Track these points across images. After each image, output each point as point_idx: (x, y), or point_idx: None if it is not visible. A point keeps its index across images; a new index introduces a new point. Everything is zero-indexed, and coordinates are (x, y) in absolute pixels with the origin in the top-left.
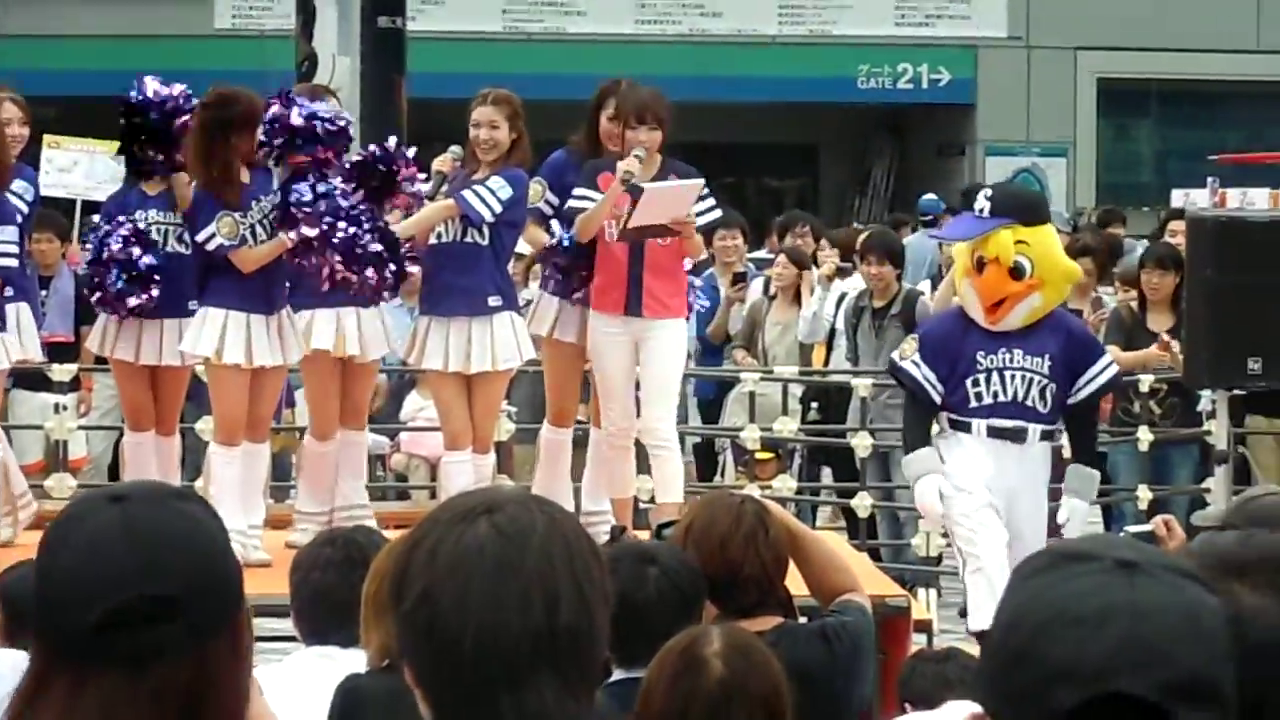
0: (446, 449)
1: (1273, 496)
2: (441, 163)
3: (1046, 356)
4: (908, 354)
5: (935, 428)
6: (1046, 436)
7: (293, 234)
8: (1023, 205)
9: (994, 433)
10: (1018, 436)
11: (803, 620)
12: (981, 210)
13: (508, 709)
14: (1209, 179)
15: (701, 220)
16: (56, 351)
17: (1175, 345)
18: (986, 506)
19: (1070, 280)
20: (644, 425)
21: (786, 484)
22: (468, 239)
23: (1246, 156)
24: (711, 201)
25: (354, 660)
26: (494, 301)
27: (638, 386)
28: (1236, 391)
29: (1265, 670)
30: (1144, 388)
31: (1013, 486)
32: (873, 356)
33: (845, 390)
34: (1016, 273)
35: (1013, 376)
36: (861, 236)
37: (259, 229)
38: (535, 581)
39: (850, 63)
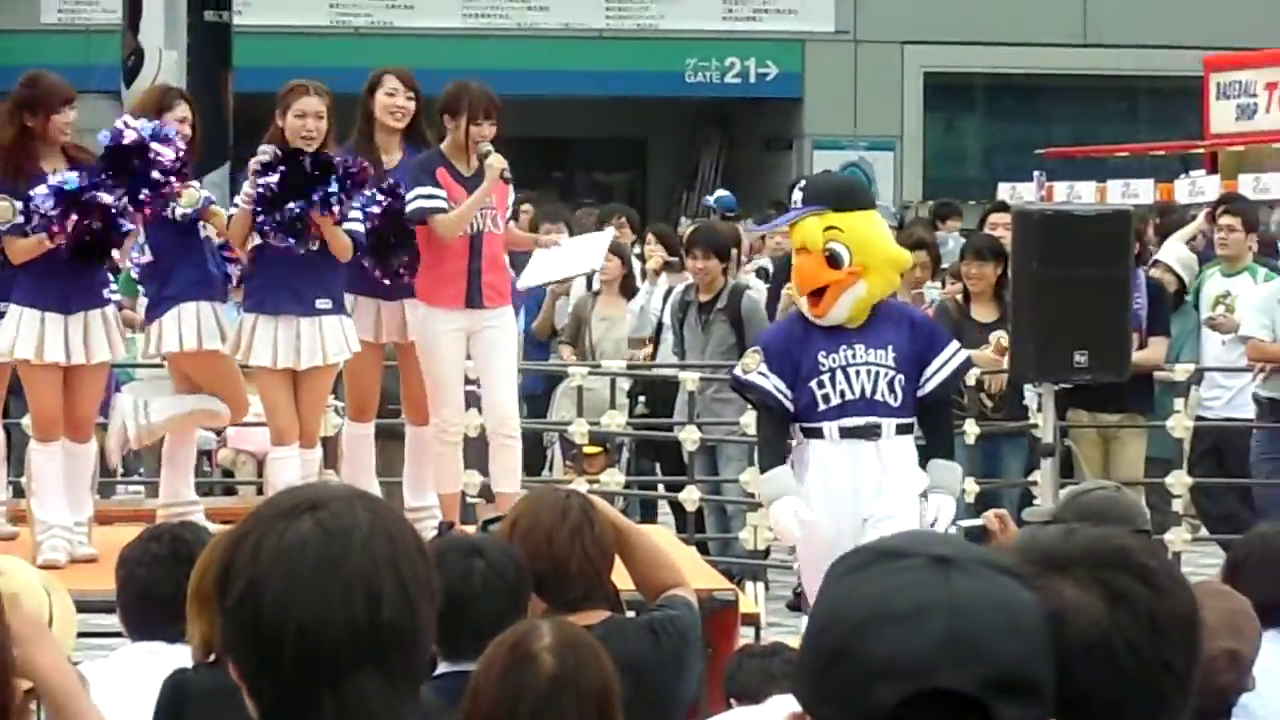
0: (273, 444)
1: (1100, 491)
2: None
3: (890, 348)
4: (752, 366)
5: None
6: (904, 431)
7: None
8: (835, 192)
9: (846, 433)
10: (870, 433)
11: (630, 615)
12: (795, 202)
13: (329, 704)
14: (1035, 173)
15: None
16: None
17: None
18: (835, 550)
19: (898, 267)
20: (499, 415)
21: (615, 478)
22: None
23: (1073, 150)
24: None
25: (180, 656)
26: (322, 304)
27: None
28: (1061, 385)
29: (1085, 666)
30: (970, 380)
31: (875, 484)
32: (699, 350)
33: (672, 384)
34: (834, 261)
35: (857, 373)
36: (687, 230)
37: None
38: (358, 578)
39: (678, 57)
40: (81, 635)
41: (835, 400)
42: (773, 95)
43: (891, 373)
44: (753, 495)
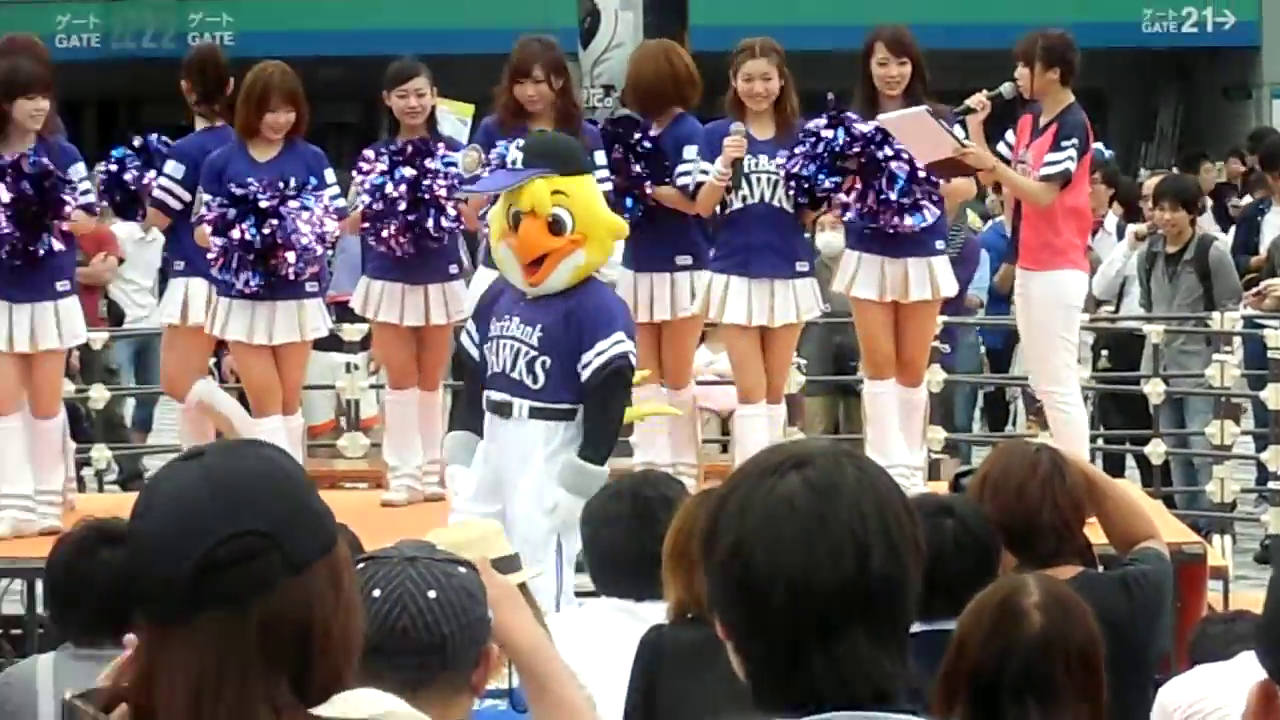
0: (740, 402)
1: None
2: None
3: (538, 327)
4: (465, 323)
5: None
6: (541, 415)
7: None
8: (559, 154)
9: (490, 406)
10: (504, 410)
11: (1101, 569)
12: (514, 162)
13: (819, 660)
14: None
15: None
16: (347, 311)
17: None
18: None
19: (614, 236)
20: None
21: None
22: (774, 202)
23: None
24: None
25: (648, 612)
26: (801, 266)
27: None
28: None
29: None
30: None
31: (513, 465)
32: (1166, 303)
33: (1137, 338)
34: (556, 227)
35: (506, 346)
36: (1152, 182)
37: None
38: (846, 533)
39: (1135, 7)
40: None
41: (493, 369)
42: (1230, 44)
43: (533, 352)
44: (1220, 447)
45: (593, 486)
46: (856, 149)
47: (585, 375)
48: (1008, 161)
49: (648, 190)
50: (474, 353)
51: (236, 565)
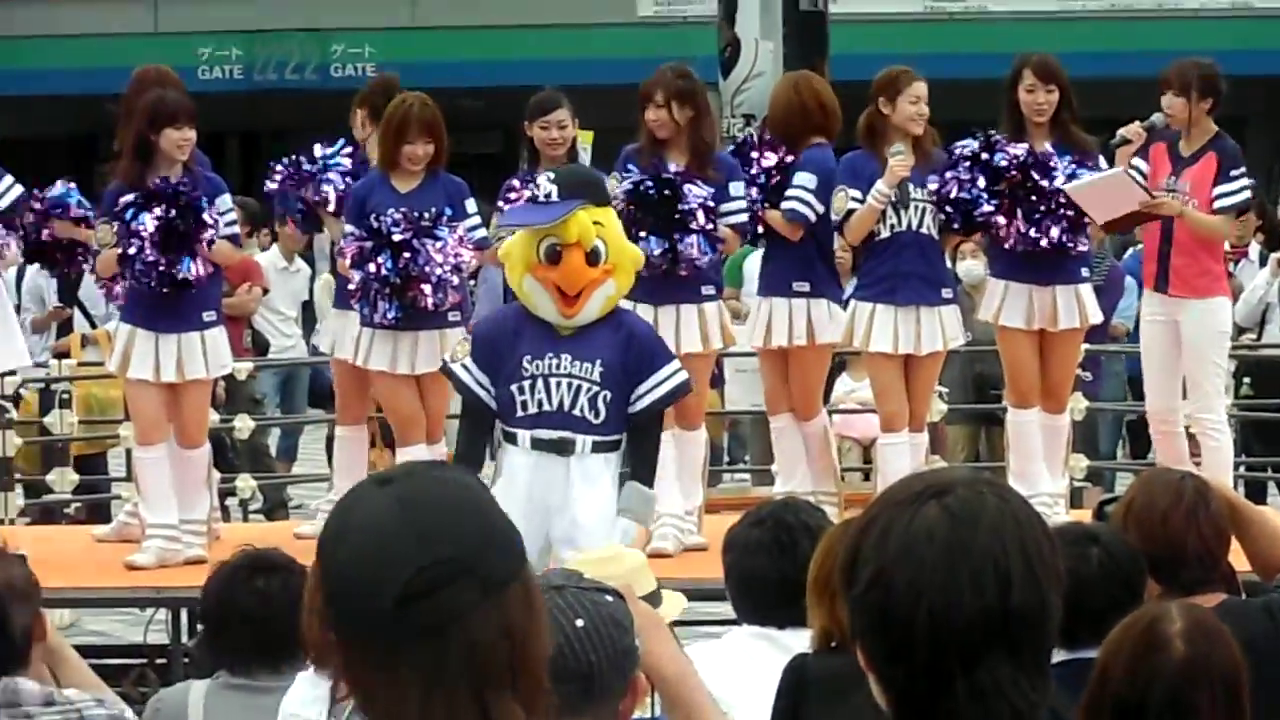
0: (883, 430)
1: None
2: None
3: (598, 362)
4: (460, 356)
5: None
6: (602, 449)
7: None
8: (593, 184)
9: (539, 444)
10: (564, 449)
11: (1244, 596)
12: (549, 194)
13: (962, 689)
14: None
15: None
16: None
17: None
18: None
19: (637, 265)
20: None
21: None
22: (921, 230)
23: None
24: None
25: (790, 640)
26: (947, 293)
27: None
28: None
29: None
30: None
31: (562, 502)
32: None
33: (1279, 364)
34: (593, 257)
35: (559, 384)
36: None
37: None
38: (987, 562)
39: (1274, 34)
40: (694, 623)
41: (533, 409)
42: None
43: (595, 388)
44: None
45: (651, 510)
46: (1014, 171)
47: (645, 404)
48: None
49: (759, 214)
50: (480, 393)
51: (435, 593)
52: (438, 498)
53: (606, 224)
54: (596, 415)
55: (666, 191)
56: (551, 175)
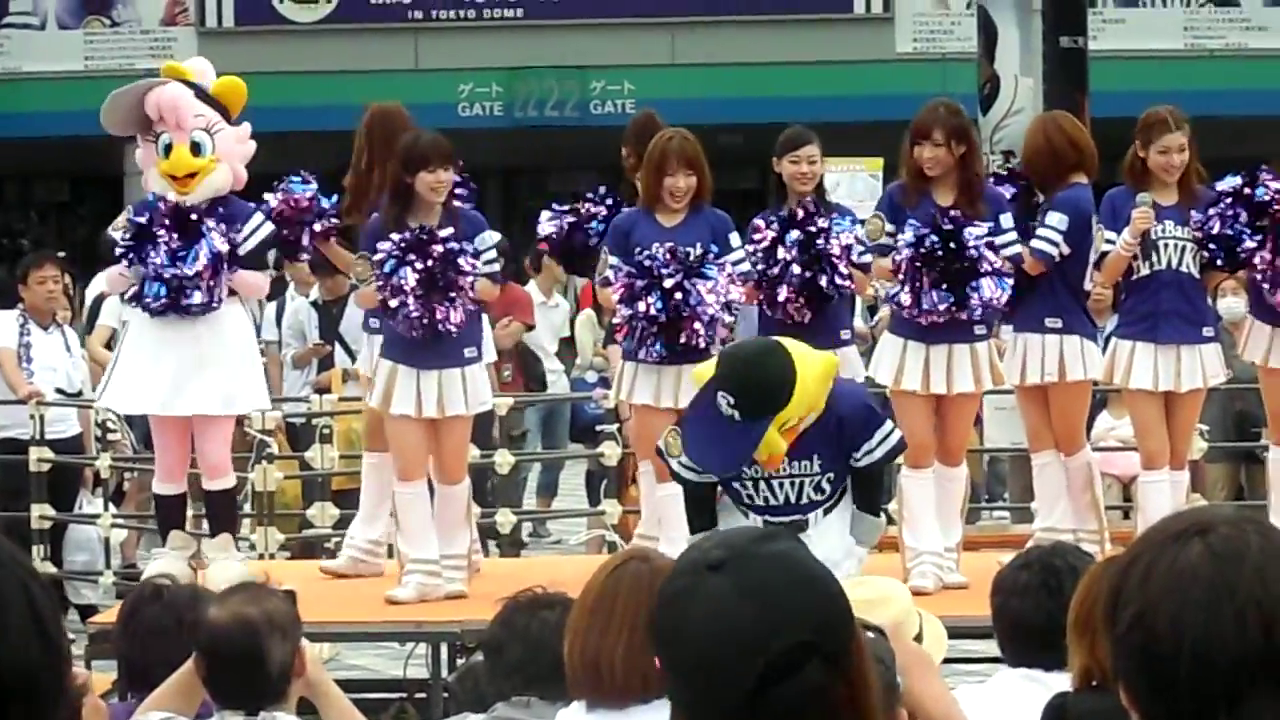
0: (1144, 468)
1: None
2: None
3: (815, 457)
4: (675, 452)
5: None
6: (832, 508)
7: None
8: (770, 400)
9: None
10: (798, 528)
11: None
12: (731, 417)
13: None
14: None
15: None
16: None
17: None
18: None
19: (829, 377)
20: None
21: None
22: (1182, 268)
23: None
24: None
25: (1058, 682)
26: (1208, 331)
27: None
28: None
29: None
30: None
31: None
32: None
33: None
34: (788, 435)
35: (780, 484)
36: None
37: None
38: (1250, 601)
39: None
40: (954, 660)
41: (759, 502)
42: None
43: (818, 478)
44: None
45: (876, 536)
46: (1277, 206)
47: (864, 463)
48: None
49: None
50: (703, 483)
51: (790, 679)
52: (778, 579)
53: (793, 406)
54: (822, 494)
55: (951, 244)
56: (727, 398)
